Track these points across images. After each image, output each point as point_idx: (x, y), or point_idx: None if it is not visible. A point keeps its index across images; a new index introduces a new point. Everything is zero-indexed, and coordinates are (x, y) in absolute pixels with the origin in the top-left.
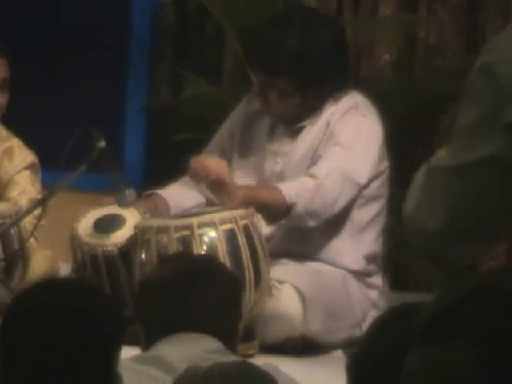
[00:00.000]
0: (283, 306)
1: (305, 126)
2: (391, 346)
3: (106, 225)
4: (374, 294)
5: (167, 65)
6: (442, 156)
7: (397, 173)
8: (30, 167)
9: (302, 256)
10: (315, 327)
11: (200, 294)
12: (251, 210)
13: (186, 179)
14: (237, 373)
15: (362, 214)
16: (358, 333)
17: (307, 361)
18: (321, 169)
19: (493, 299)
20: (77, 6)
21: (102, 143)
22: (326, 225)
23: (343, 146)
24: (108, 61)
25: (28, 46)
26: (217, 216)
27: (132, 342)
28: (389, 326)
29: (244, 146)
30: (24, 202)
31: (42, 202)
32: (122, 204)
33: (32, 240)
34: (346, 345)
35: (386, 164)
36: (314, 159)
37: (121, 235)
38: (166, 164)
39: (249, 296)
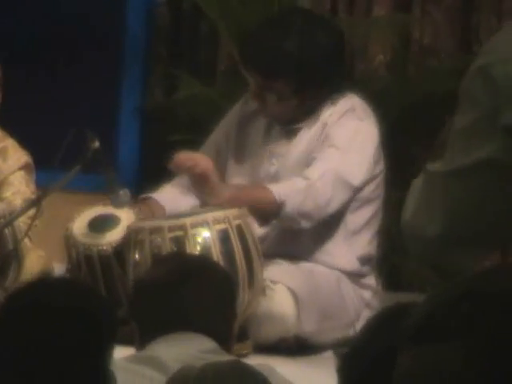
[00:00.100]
0: (277, 306)
1: (301, 128)
2: (384, 347)
3: (101, 224)
4: (367, 295)
5: (161, 65)
6: (439, 163)
7: (392, 173)
8: (25, 167)
9: (296, 257)
10: (309, 327)
11: (195, 294)
12: (244, 210)
13: (178, 180)
14: (230, 373)
15: (357, 217)
16: (351, 333)
17: (301, 361)
18: (314, 170)
19: (484, 300)
20: (71, 5)
21: (97, 144)
22: (320, 227)
23: (338, 148)
24: (102, 61)
25: (22, 46)
26: (210, 216)
27: (126, 342)
28: (381, 326)
29: (240, 147)
30: (18, 202)
31: (36, 203)
32: (117, 204)
33: (26, 240)
34: (340, 345)
35: (381, 167)
36: (309, 161)
37: (115, 235)
38: (160, 164)
39: (242, 296)
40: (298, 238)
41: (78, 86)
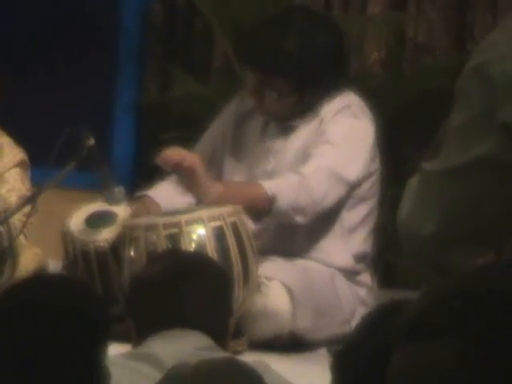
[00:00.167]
0: (271, 303)
1: (298, 125)
2: (378, 344)
3: (98, 221)
4: (362, 292)
5: (156, 62)
6: (435, 162)
7: (387, 171)
8: (20, 165)
9: (291, 254)
10: (303, 324)
11: (191, 291)
12: (239, 207)
13: (173, 177)
14: (224, 370)
15: (353, 215)
16: (346, 330)
17: (296, 358)
18: (308, 166)
19: (477, 297)
20: (65, 3)
21: (92, 141)
22: (315, 224)
23: (333, 144)
24: (97, 58)
25: (16, 44)
26: (205, 213)
27: (122, 339)
28: (376, 324)
29: (236, 146)
30: (13, 199)
31: (31, 200)
32: (111, 202)
33: (21, 237)
34: (334, 342)
35: (376, 165)
36: (305, 158)
37: (113, 231)
38: (154, 162)
39: (237, 293)
40: (294, 234)
41: (73, 83)
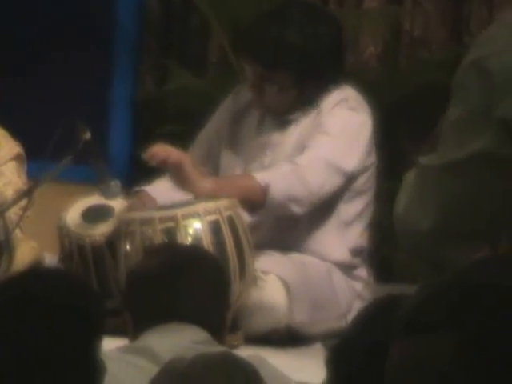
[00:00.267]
0: (268, 297)
1: (295, 118)
2: (373, 339)
3: (94, 215)
4: (358, 286)
5: (152, 56)
6: (432, 156)
7: (383, 165)
8: (16, 158)
9: (288, 247)
10: (300, 318)
11: (188, 285)
12: (235, 201)
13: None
14: (220, 364)
15: (349, 208)
16: (343, 324)
17: (292, 352)
18: (303, 156)
19: (474, 291)
20: None
21: (88, 135)
22: (312, 217)
23: (329, 135)
24: (93, 53)
25: (12, 36)
26: (201, 207)
27: (118, 333)
28: (372, 318)
29: (233, 141)
30: (10, 193)
31: (27, 193)
32: (107, 195)
33: (17, 231)
34: (330, 336)
35: (372, 159)
36: (302, 151)
37: (109, 226)
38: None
39: (233, 287)
40: (291, 228)
41: (70, 77)
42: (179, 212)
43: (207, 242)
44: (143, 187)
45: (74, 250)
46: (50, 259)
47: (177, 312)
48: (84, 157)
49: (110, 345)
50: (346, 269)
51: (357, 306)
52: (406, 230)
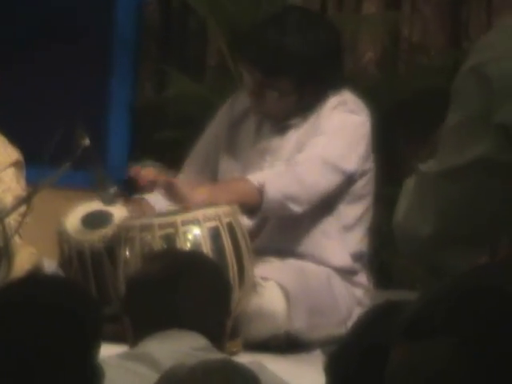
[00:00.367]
0: (267, 303)
1: (294, 124)
2: (372, 345)
3: (94, 221)
4: (359, 292)
5: (151, 62)
6: (431, 163)
7: (382, 170)
8: (15, 164)
9: (288, 252)
10: (299, 324)
11: (188, 291)
12: (235, 207)
13: None
14: (220, 371)
15: (349, 212)
16: (342, 331)
17: (291, 358)
18: (299, 156)
19: (476, 296)
20: (59, 2)
21: (87, 141)
22: (312, 221)
23: (325, 135)
24: (92, 58)
25: (11, 42)
26: (200, 213)
27: (116, 339)
28: (371, 324)
29: (231, 147)
30: (9, 199)
31: (26, 199)
32: (106, 201)
33: (16, 237)
34: (330, 343)
35: (370, 164)
36: None
37: (108, 231)
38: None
39: (233, 294)
40: (291, 233)
41: (68, 83)
42: (179, 218)
43: (206, 249)
44: (143, 195)
45: (73, 255)
46: (50, 265)
47: (177, 318)
48: (83, 163)
49: (108, 351)
50: (347, 274)
51: (357, 313)
52: (405, 236)
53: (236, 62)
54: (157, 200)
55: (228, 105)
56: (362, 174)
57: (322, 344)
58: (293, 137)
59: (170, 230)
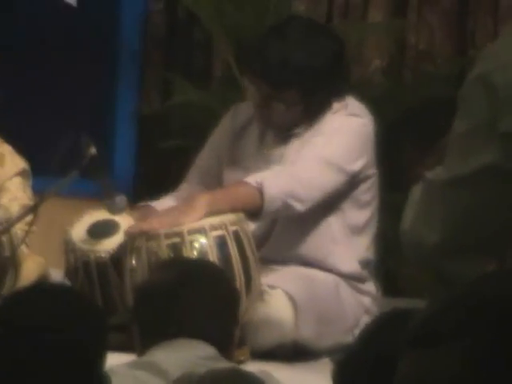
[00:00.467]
0: (274, 312)
1: (298, 133)
2: (379, 354)
3: (100, 230)
4: (366, 301)
5: (156, 71)
6: (438, 170)
7: (388, 178)
8: (22, 174)
9: (296, 259)
10: (306, 333)
11: (196, 300)
12: (241, 215)
13: (178, 193)
14: (228, 379)
15: (356, 218)
16: (350, 339)
17: (299, 367)
18: (298, 156)
19: (481, 305)
20: (65, 12)
21: (93, 150)
22: (320, 227)
23: (324, 135)
24: (97, 67)
25: (18, 52)
26: (207, 222)
27: (123, 349)
28: (378, 332)
29: (234, 158)
30: (15, 208)
31: (33, 209)
32: (113, 211)
33: (23, 247)
34: (337, 351)
35: (374, 170)
36: None
37: (114, 241)
38: (155, 170)
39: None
40: (299, 239)
41: (74, 92)
42: (185, 227)
43: (213, 258)
44: (148, 203)
45: (79, 265)
46: (56, 274)
47: (184, 327)
48: (89, 172)
49: (115, 360)
50: (355, 282)
51: (364, 321)
52: (412, 244)
53: (242, 74)
54: (163, 206)
55: (230, 114)
56: (365, 178)
57: (330, 352)
58: (296, 144)
59: (177, 240)
